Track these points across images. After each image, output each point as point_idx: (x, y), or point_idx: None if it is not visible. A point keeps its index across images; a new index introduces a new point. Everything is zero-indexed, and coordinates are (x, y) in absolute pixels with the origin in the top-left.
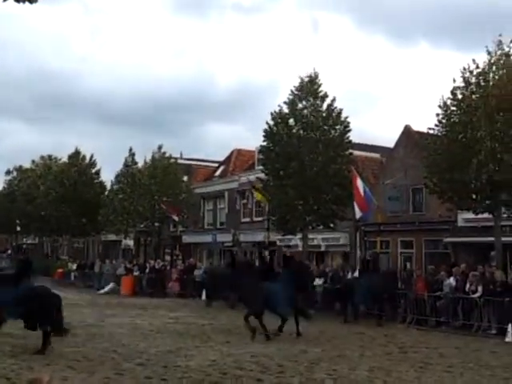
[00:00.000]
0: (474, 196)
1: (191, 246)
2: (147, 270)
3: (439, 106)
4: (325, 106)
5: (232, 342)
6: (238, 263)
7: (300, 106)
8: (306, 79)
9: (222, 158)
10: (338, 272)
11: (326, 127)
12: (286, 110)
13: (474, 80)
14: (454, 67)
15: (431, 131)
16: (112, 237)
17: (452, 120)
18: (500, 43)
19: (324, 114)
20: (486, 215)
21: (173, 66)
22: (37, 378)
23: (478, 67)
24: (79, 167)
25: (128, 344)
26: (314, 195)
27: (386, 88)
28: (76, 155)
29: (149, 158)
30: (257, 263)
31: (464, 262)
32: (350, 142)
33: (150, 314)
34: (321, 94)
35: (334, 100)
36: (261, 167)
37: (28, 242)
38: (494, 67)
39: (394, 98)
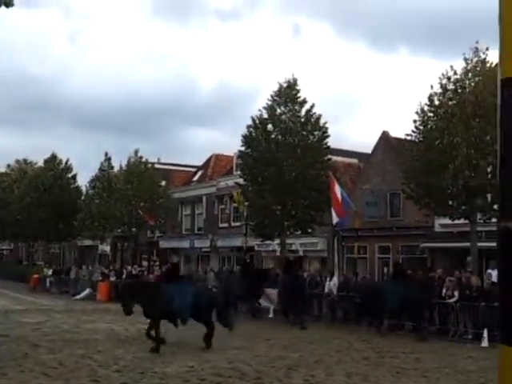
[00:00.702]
0: (450, 202)
1: (168, 251)
2: (124, 276)
3: (416, 113)
4: (303, 111)
5: (209, 349)
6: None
7: (279, 111)
8: (285, 85)
9: (201, 163)
10: (315, 277)
11: (304, 133)
12: (265, 115)
13: (451, 86)
14: (432, 74)
15: (408, 137)
16: (88, 242)
17: (429, 126)
18: (476, 50)
19: (302, 120)
20: (462, 221)
21: (154, 71)
22: None
23: (455, 73)
24: (55, 171)
25: (104, 350)
26: (292, 200)
27: (365, 94)
28: (52, 159)
29: (125, 162)
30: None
31: (441, 267)
32: (328, 147)
33: (127, 320)
34: (299, 99)
35: (312, 106)
36: (239, 172)
37: (3, 247)
38: (470, 74)
39: (373, 103)
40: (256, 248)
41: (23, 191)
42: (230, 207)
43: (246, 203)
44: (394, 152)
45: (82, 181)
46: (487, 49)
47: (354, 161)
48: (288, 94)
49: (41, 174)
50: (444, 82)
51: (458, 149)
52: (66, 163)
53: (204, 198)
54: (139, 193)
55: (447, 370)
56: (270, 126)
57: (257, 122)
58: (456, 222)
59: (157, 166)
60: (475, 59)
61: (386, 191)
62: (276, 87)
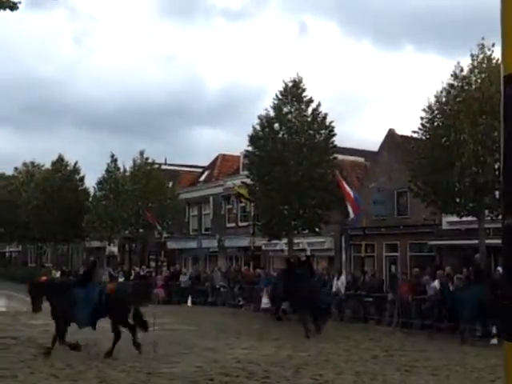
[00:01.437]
0: (457, 199)
1: (176, 251)
2: (132, 277)
3: (424, 110)
4: (310, 110)
5: (217, 348)
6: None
7: (285, 110)
8: (290, 84)
9: (208, 163)
10: (323, 276)
11: (310, 132)
12: (272, 114)
13: (457, 83)
14: (438, 71)
15: (415, 135)
16: (96, 243)
17: (435, 123)
18: (482, 47)
19: (309, 119)
20: (469, 218)
21: (161, 71)
22: None
23: (462, 71)
24: (63, 174)
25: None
26: (299, 200)
27: (371, 92)
28: (59, 162)
29: (131, 163)
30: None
31: (449, 265)
32: (335, 146)
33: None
34: (306, 98)
35: (319, 105)
36: (246, 172)
37: (11, 249)
38: (476, 70)
39: (379, 101)
40: (263, 248)
41: (31, 194)
42: (237, 207)
43: (252, 204)
44: (401, 150)
45: (89, 182)
46: (493, 45)
47: (361, 159)
48: (294, 93)
49: (48, 177)
50: (451, 78)
51: (464, 146)
52: (75, 165)
53: (211, 199)
54: (146, 194)
55: (456, 367)
56: (276, 126)
57: (263, 121)
58: (464, 219)
59: (163, 166)
60: (481, 56)
61: (393, 189)
62: (282, 86)
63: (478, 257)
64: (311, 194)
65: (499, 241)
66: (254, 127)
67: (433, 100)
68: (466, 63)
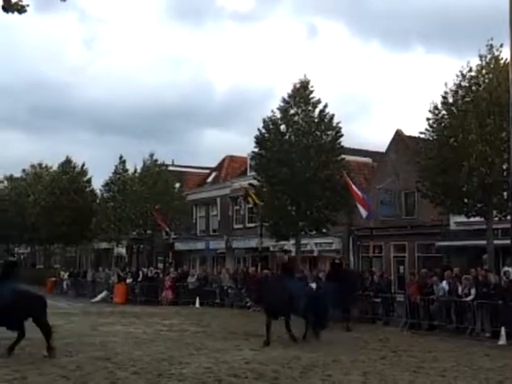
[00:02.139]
0: (465, 200)
1: (184, 253)
2: (140, 278)
3: (430, 111)
4: (317, 112)
5: (226, 349)
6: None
7: (292, 111)
8: (298, 85)
9: (215, 165)
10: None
11: (317, 133)
12: (278, 115)
13: (465, 84)
14: (448, 72)
15: (422, 135)
16: (104, 245)
17: (443, 124)
18: (491, 47)
19: (316, 120)
20: (477, 219)
21: (170, 74)
22: None
23: (470, 70)
24: (70, 175)
25: (121, 352)
26: (307, 200)
27: (380, 92)
28: (67, 163)
29: (140, 165)
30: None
31: (457, 266)
32: (342, 147)
33: (144, 322)
34: (313, 100)
35: (326, 106)
36: (253, 173)
37: (20, 251)
38: (484, 71)
39: (389, 102)
40: (271, 249)
41: (39, 195)
42: (244, 208)
43: (262, 203)
44: (408, 150)
45: (98, 184)
46: (501, 45)
47: (368, 160)
48: (301, 94)
49: (56, 178)
50: (459, 79)
51: (472, 146)
52: (82, 167)
53: (218, 200)
54: (154, 195)
55: (465, 368)
56: (283, 127)
57: (269, 123)
58: (472, 219)
59: (171, 168)
60: (489, 56)
61: (401, 190)
62: (289, 88)
63: (486, 257)
64: (318, 195)
65: (507, 241)
66: (259, 129)
67: (440, 100)
68: (474, 64)
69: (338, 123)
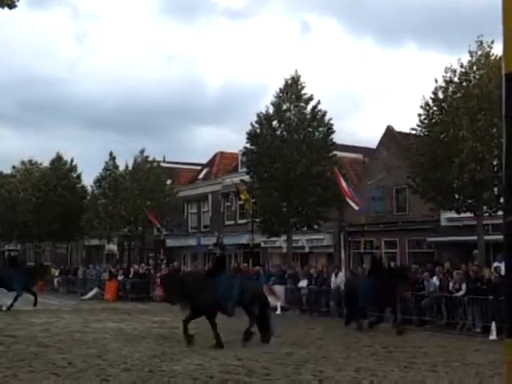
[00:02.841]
0: (456, 195)
1: (175, 249)
2: (131, 275)
3: (421, 107)
4: (309, 108)
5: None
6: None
7: (284, 107)
8: (290, 81)
9: (206, 161)
10: (322, 273)
11: (309, 129)
12: (271, 111)
13: (456, 80)
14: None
15: (413, 131)
16: (95, 242)
17: (433, 120)
18: (481, 43)
19: (308, 116)
20: (468, 214)
21: (162, 70)
22: None
23: (462, 66)
24: (61, 172)
25: (113, 349)
26: (298, 197)
27: (373, 89)
28: (57, 160)
29: (131, 161)
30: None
31: (448, 261)
32: (334, 143)
33: (135, 319)
34: (305, 96)
35: (318, 103)
36: (244, 169)
37: (10, 248)
38: (474, 67)
39: (381, 99)
40: (262, 245)
41: (29, 192)
42: (235, 204)
43: (253, 200)
44: (399, 147)
45: (89, 181)
46: (492, 42)
47: (360, 156)
48: (293, 90)
49: (46, 175)
50: (449, 75)
51: (463, 142)
52: (71, 163)
53: (210, 196)
54: (145, 192)
55: (456, 363)
56: (275, 123)
57: (262, 118)
58: (462, 215)
59: (162, 164)
60: (480, 52)
61: (392, 186)
62: (281, 84)
63: (477, 253)
64: (310, 191)
65: (498, 237)
66: (252, 124)
67: (430, 96)
68: (464, 60)
69: (329, 119)
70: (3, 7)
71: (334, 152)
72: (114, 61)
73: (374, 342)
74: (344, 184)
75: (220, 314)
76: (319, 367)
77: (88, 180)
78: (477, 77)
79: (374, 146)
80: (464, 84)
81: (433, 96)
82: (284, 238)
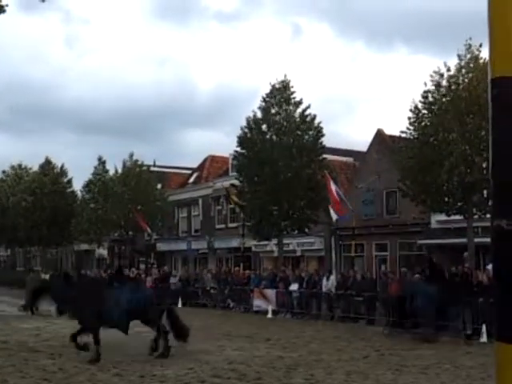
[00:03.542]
0: (446, 198)
1: (166, 253)
2: None
3: (410, 110)
4: (298, 112)
5: (208, 350)
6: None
7: (273, 111)
8: (278, 85)
9: (197, 165)
10: (313, 276)
11: (299, 132)
12: (259, 115)
13: (444, 83)
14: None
15: (403, 135)
16: (85, 246)
17: (423, 123)
18: (469, 47)
19: (297, 120)
20: (458, 217)
21: (154, 74)
22: None
23: (449, 70)
24: (50, 176)
25: (103, 354)
26: (289, 200)
27: (365, 92)
28: (47, 164)
29: (120, 165)
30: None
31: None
32: (324, 147)
33: None
34: (294, 100)
35: (308, 106)
36: (235, 173)
37: (0, 253)
38: (463, 70)
39: (373, 102)
40: (253, 248)
41: (19, 197)
42: (226, 208)
43: (244, 203)
44: (389, 150)
45: (80, 185)
46: (480, 45)
47: (350, 159)
48: (282, 94)
49: (36, 179)
50: (437, 78)
51: (453, 145)
52: (62, 168)
53: (200, 200)
54: (135, 196)
55: (447, 365)
56: (264, 127)
57: (250, 122)
58: (452, 218)
59: (152, 168)
60: (468, 56)
61: (382, 189)
62: (269, 88)
63: (467, 255)
64: (300, 195)
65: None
66: (242, 128)
67: (419, 100)
68: (452, 64)
69: (319, 123)
70: None
71: (324, 155)
72: (105, 65)
73: (365, 345)
74: (334, 189)
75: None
76: (310, 371)
77: (80, 185)
78: (466, 80)
79: (365, 150)
80: (453, 87)
81: (422, 99)
82: (275, 241)
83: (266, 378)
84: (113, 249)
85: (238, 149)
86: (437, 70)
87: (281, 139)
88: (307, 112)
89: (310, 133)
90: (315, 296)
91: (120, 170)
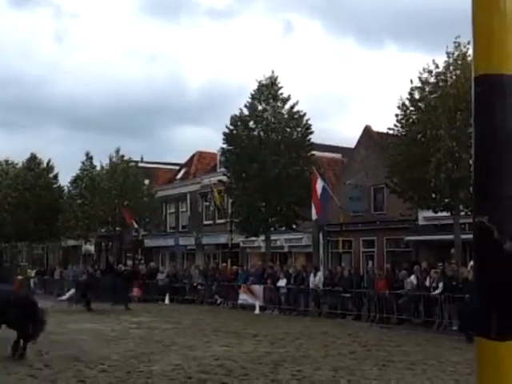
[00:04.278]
0: (433, 195)
1: (153, 249)
2: None
3: (398, 107)
4: (286, 108)
5: (196, 346)
6: None
7: (260, 108)
8: (265, 82)
9: (185, 161)
10: (301, 272)
11: (287, 129)
12: (246, 112)
13: (432, 80)
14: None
15: (391, 131)
16: (72, 242)
17: (411, 120)
18: (458, 44)
19: (285, 117)
20: (445, 213)
21: (143, 70)
22: None
23: (437, 67)
24: (36, 171)
25: (90, 350)
26: (276, 196)
27: (355, 89)
28: (32, 159)
29: (107, 161)
30: None
31: (425, 260)
32: (312, 143)
33: (112, 320)
34: (281, 96)
35: (296, 103)
36: (223, 169)
37: None
38: (451, 67)
39: (363, 98)
40: (241, 245)
41: (5, 192)
42: (213, 204)
43: (230, 200)
44: (377, 146)
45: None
46: (468, 42)
47: (338, 156)
48: (269, 91)
49: (21, 175)
50: (425, 75)
51: (440, 142)
52: (48, 163)
53: (188, 196)
54: (123, 192)
55: (433, 361)
56: (251, 123)
57: (236, 119)
58: (439, 214)
59: (140, 164)
60: (457, 53)
61: (370, 185)
62: (256, 85)
63: (454, 251)
64: (288, 191)
65: None
66: (227, 126)
67: (406, 97)
68: (440, 61)
69: (307, 120)
70: None
71: (312, 152)
72: (96, 60)
73: (352, 340)
74: (318, 188)
75: None
76: (298, 366)
77: (67, 180)
78: (453, 77)
79: (353, 146)
80: (441, 84)
81: (409, 96)
82: (263, 237)
83: (253, 374)
84: (100, 245)
85: (225, 146)
86: (425, 67)
87: (268, 136)
88: (296, 108)
89: (299, 129)
90: (303, 292)
91: (107, 166)
